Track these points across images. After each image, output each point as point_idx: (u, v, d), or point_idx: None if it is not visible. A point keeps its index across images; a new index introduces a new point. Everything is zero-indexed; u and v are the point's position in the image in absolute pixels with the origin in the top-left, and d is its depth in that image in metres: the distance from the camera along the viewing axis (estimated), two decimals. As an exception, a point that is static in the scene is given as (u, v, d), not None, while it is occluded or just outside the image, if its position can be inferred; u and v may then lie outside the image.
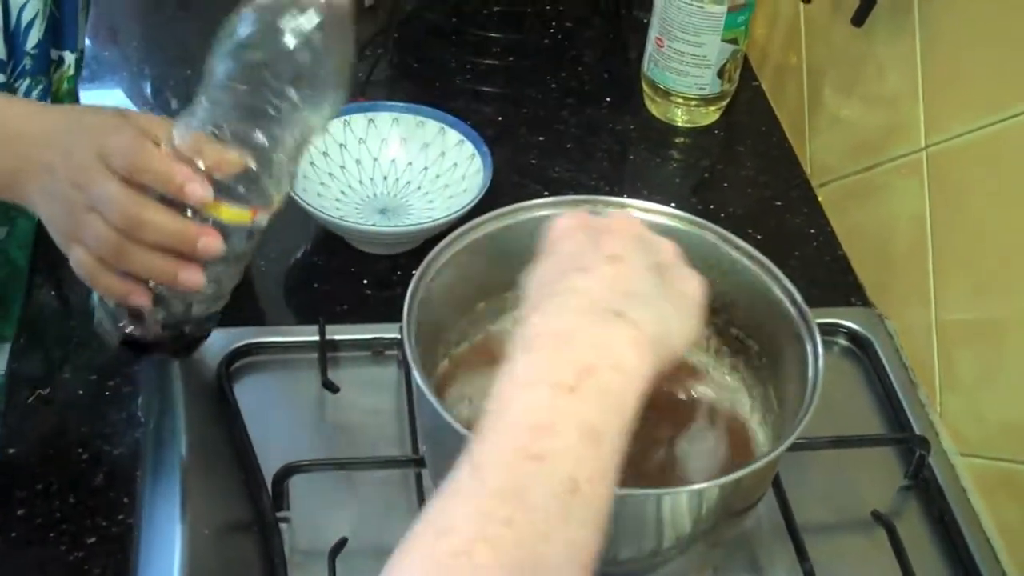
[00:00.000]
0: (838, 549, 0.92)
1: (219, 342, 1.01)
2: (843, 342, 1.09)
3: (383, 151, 1.20)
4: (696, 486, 0.77)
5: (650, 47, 1.32)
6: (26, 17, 1.06)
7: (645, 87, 1.36)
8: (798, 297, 0.86)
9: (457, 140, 1.18)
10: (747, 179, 1.29)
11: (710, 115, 1.35)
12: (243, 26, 0.83)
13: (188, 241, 0.83)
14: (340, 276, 1.12)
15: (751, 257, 0.89)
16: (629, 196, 0.94)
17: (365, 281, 1.11)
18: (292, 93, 0.83)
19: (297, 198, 1.09)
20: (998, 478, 0.95)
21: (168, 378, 0.98)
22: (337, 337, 1.03)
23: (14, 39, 1.06)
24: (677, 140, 1.34)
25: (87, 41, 1.31)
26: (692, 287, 0.72)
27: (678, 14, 1.26)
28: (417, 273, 0.85)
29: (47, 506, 0.91)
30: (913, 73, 1.06)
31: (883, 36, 1.12)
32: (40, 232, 1.14)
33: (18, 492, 0.92)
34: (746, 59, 1.39)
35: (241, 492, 0.91)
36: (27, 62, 1.08)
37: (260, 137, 0.83)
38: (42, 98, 1.12)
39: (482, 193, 1.11)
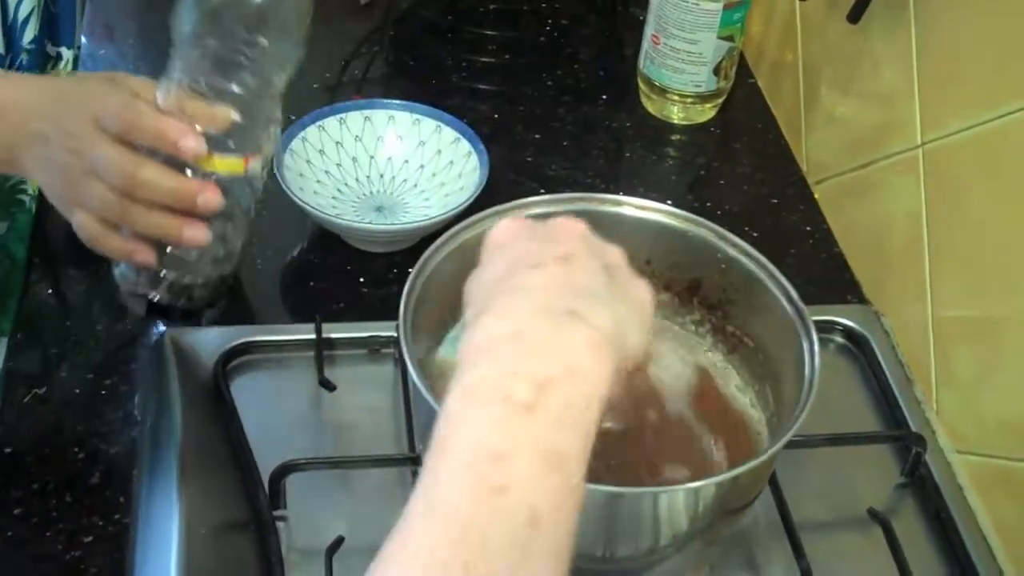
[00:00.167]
0: (835, 547, 0.92)
1: (215, 340, 1.02)
2: (839, 339, 1.09)
3: (379, 149, 1.20)
4: (693, 484, 0.77)
5: (646, 44, 1.32)
6: (22, 13, 1.06)
7: (641, 84, 1.36)
8: (794, 295, 0.86)
9: (453, 138, 1.18)
10: (743, 176, 1.29)
11: (706, 112, 1.35)
12: None
13: (188, 197, 0.86)
14: (336, 274, 1.12)
15: (747, 255, 0.89)
16: (625, 193, 0.94)
17: (361, 279, 1.11)
18: (259, 38, 0.86)
19: (293, 196, 1.09)
20: (994, 475, 0.95)
21: (165, 377, 0.98)
22: (333, 335, 1.03)
23: (11, 34, 1.06)
24: (673, 137, 1.34)
25: (83, 39, 1.32)
26: (641, 291, 0.69)
27: (674, 11, 1.26)
28: (413, 271, 0.85)
29: (43, 505, 0.91)
30: (909, 70, 1.06)
31: (879, 33, 1.12)
32: (37, 227, 1.14)
33: (14, 491, 0.92)
34: (742, 56, 1.39)
35: (238, 491, 0.91)
36: (24, 57, 1.08)
37: (236, 87, 0.87)
38: None
39: (478, 191, 1.11)
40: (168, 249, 0.90)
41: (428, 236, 1.02)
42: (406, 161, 1.20)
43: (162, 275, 0.91)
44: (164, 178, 0.86)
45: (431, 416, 0.78)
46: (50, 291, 1.08)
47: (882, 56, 1.12)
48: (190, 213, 0.87)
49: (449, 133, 1.19)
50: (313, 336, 1.01)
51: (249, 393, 0.99)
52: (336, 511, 0.91)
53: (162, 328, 1.04)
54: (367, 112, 1.20)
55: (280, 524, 0.90)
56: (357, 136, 1.20)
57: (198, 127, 0.86)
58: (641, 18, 1.33)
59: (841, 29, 1.16)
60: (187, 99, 0.86)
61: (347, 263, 1.13)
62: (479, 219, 0.90)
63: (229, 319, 1.06)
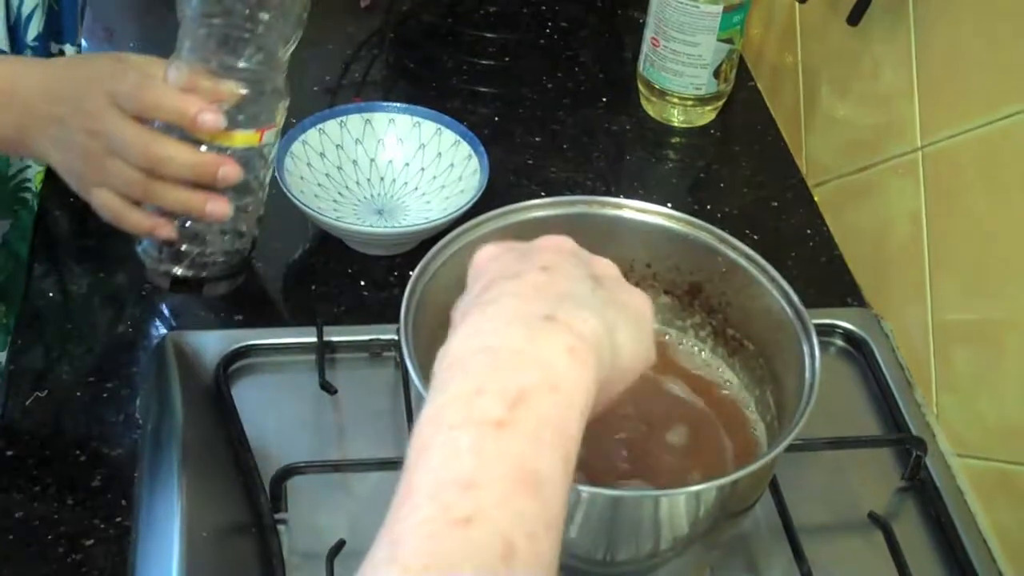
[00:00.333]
0: (835, 550, 0.93)
1: (217, 344, 1.02)
2: (839, 343, 1.09)
3: (380, 152, 1.20)
4: (693, 487, 0.77)
5: (646, 47, 1.32)
6: (26, 10, 1.07)
7: (641, 87, 1.36)
8: (795, 298, 0.86)
9: (453, 141, 1.18)
10: (743, 179, 1.29)
11: (706, 115, 1.35)
12: None
13: (209, 171, 0.89)
14: (337, 277, 1.12)
15: (747, 257, 0.89)
16: (625, 196, 0.94)
17: (362, 282, 1.11)
18: (261, 14, 0.89)
19: (294, 199, 1.09)
20: (995, 479, 0.95)
21: (166, 380, 0.98)
22: (335, 338, 1.03)
23: (15, 31, 1.07)
24: (673, 140, 1.34)
25: (83, 41, 1.32)
26: (637, 299, 0.66)
27: (674, 14, 1.26)
28: (414, 274, 0.85)
29: (45, 507, 0.91)
30: (909, 73, 1.06)
31: (879, 35, 1.12)
32: (39, 227, 1.14)
33: (16, 493, 0.92)
34: (742, 59, 1.39)
35: (239, 494, 0.91)
36: (28, 55, 1.09)
37: (243, 63, 0.89)
38: None
39: (479, 194, 1.11)
40: (187, 224, 0.92)
41: (429, 239, 1.02)
42: (406, 164, 1.20)
43: (183, 249, 0.94)
44: (185, 154, 0.88)
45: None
46: (51, 294, 1.08)
47: (882, 58, 1.12)
48: (210, 188, 0.90)
49: (449, 136, 1.19)
50: (314, 339, 1.01)
51: (250, 396, 0.99)
52: (337, 514, 0.91)
53: (164, 331, 1.04)
54: (367, 115, 1.20)
55: (281, 527, 0.90)
56: (357, 139, 1.20)
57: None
58: (641, 21, 1.34)
59: (841, 32, 1.16)
60: (197, 77, 0.88)
61: (348, 266, 1.13)
62: (480, 222, 0.90)
63: (230, 322, 1.06)
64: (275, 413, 0.99)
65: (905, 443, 0.98)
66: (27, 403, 0.99)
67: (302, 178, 1.15)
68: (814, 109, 1.28)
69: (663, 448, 0.86)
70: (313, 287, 1.11)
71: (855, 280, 1.17)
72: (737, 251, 0.89)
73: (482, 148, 1.16)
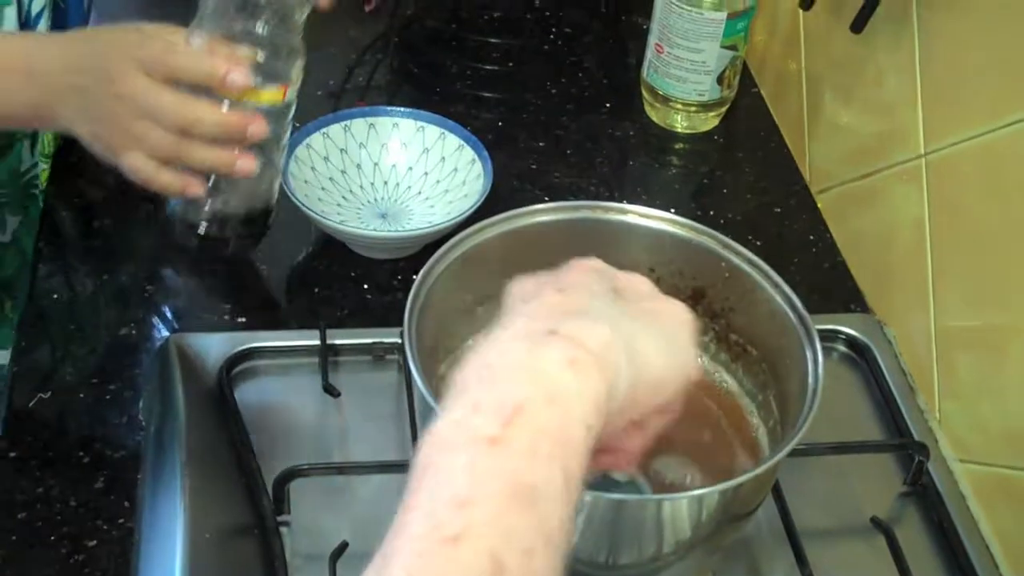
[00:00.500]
0: (837, 555, 0.93)
1: (220, 346, 1.02)
2: (842, 348, 1.09)
3: (383, 156, 1.21)
4: (696, 491, 0.77)
5: (650, 53, 1.32)
6: (35, 8, 1.08)
7: (645, 93, 1.36)
8: (798, 303, 0.86)
9: (457, 145, 1.19)
10: (747, 185, 1.29)
11: (710, 121, 1.35)
12: None
13: (239, 129, 0.93)
14: (341, 281, 1.12)
15: (751, 263, 0.89)
16: (629, 202, 0.94)
17: (366, 286, 1.12)
18: None
19: (298, 203, 1.09)
20: (997, 485, 0.95)
21: (169, 382, 0.98)
22: (338, 341, 1.03)
23: (25, 27, 1.08)
24: (677, 146, 1.35)
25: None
26: (674, 309, 0.66)
27: (678, 20, 1.26)
28: (418, 278, 0.85)
29: (48, 509, 0.91)
30: (912, 80, 1.06)
31: (882, 43, 1.12)
32: (43, 228, 1.14)
33: (19, 495, 0.92)
34: (745, 65, 1.39)
35: (242, 496, 0.91)
36: None
37: (260, 27, 0.94)
38: None
39: (482, 198, 1.11)
40: (211, 182, 0.97)
41: (432, 243, 1.02)
42: (410, 168, 1.20)
43: (208, 207, 0.99)
44: (216, 114, 0.92)
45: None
46: (55, 295, 1.08)
47: (885, 66, 1.12)
48: (238, 143, 0.94)
49: (453, 140, 1.19)
50: (317, 342, 1.01)
51: (253, 399, 0.99)
52: (340, 517, 0.91)
53: (167, 333, 1.04)
54: (371, 119, 1.20)
55: (284, 529, 0.90)
56: (361, 143, 1.20)
57: None
58: (645, 27, 1.34)
59: (844, 39, 1.16)
60: (219, 44, 0.92)
61: (351, 270, 1.13)
62: (483, 227, 0.90)
63: (233, 325, 1.06)
64: (278, 416, 0.99)
65: (907, 448, 0.98)
66: (30, 404, 0.99)
67: (306, 182, 1.15)
68: (817, 116, 1.28)
69: (666, 452, 0.86)
70: (316, 290, 1.11)
71: (858, 286, 1.17)
72: (740, 256, 0.89)
73: (486, 153, 1.17)
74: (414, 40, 1.48)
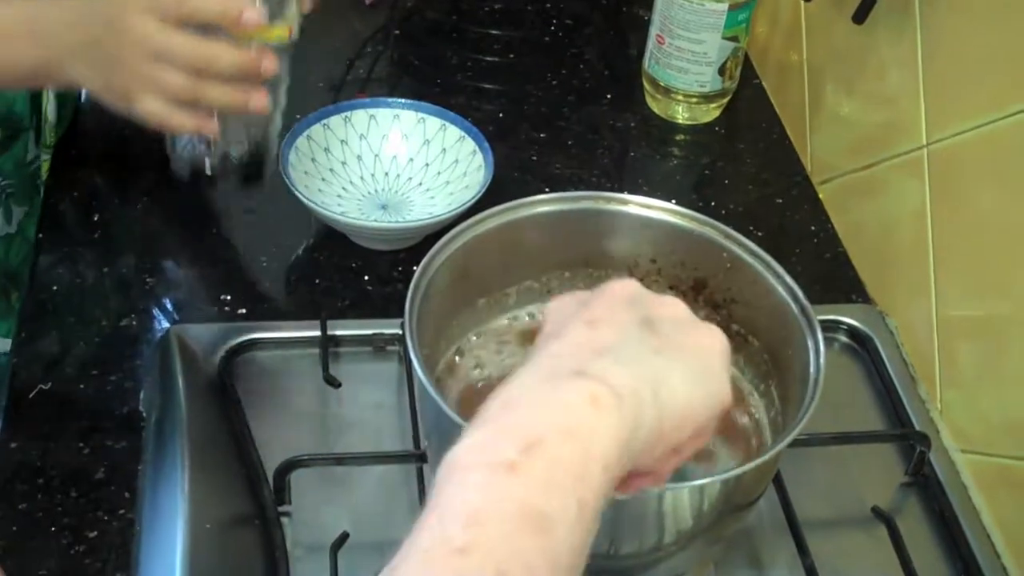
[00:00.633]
0: (839, 545, 0.93)
1: (220, 337, 1.02)
2: (844, 339, 1.09)
3: (384, 147, 1.20)
4: (698, 482, 0.77)
5: (651, 44, 1.32)
6: None
7: (646, 84, 1.36)
8: (800, 294, 0.86)
9: (458, 137, 1.18)
10: (748, 176, 1.29)
11: (711, 112, 1.35)
12: None
13: (253, 67, 0.95)
14: (341, 272, 1.12)
15: (752, 253, 0.89)
16: (630, 193, 0.94)
17: (366, 277, 1.12)
18: None
19: (298, 194, 1.09)
20: (998, 474, 0.95)
21: (170, 373, 0.98)
22: (339, 332, 1.03)
23: None
24: (678, 137, 1.34)
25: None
26: (707, 340, 0.64)
27: (679, 11, 1.26)
28: (419, 269, 0.85)
29: (48, 500, 0.91)
30: (914, 70, 1.06)
31: (884, 34, 1.12)
32: (43, 220, 1.14)
33: (19, 486, 0.92)
34: (747, 57, 1.39)
35: (243, 487, 0.91)
36: None
37: None
38: None
39: (483, 190, 1.11)
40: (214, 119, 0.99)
41: (433, 234, 1.02)
42: (411, 159, 1.20)
43: (217, 145, 1.03)
44: (231, 52, 0.94)
45: (436, 413, 0.79)
46: (55, 287, 1.08)
47: (887, 56, 1.12)
48: (250, 80, 0.96)
49: (454, 132, 1.19)
50: (318, 333, 1.01)
51: (254, 389, 0.99)
52: (341, 507, 0.91)
53: (167, 324, 1.04)
54: (372, 111, 1.20)
55: (284, 520, 0.90)
56: (362, 134, 1.20)
57: None
58: (646, 18, 1.34)
59: (846, 29, 1.16)
60: None
61: (352, 261, 1.13)
62: (484, 218, 0.90)
63: (234, 316, 1.06)
64: (279, 406, 0.99)
65: (909, 438, 0.98)
66: (31, 395, 0.99)
67: (306, 173, 1.15)
68: (819, 107, 1.28)
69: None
70: (317, 281, 1.11)
71: (859, 277, 1.17)
72: (742, 247, 0.89)
73: (487, 144, 1.16)
74: (415, 32, 1.48)
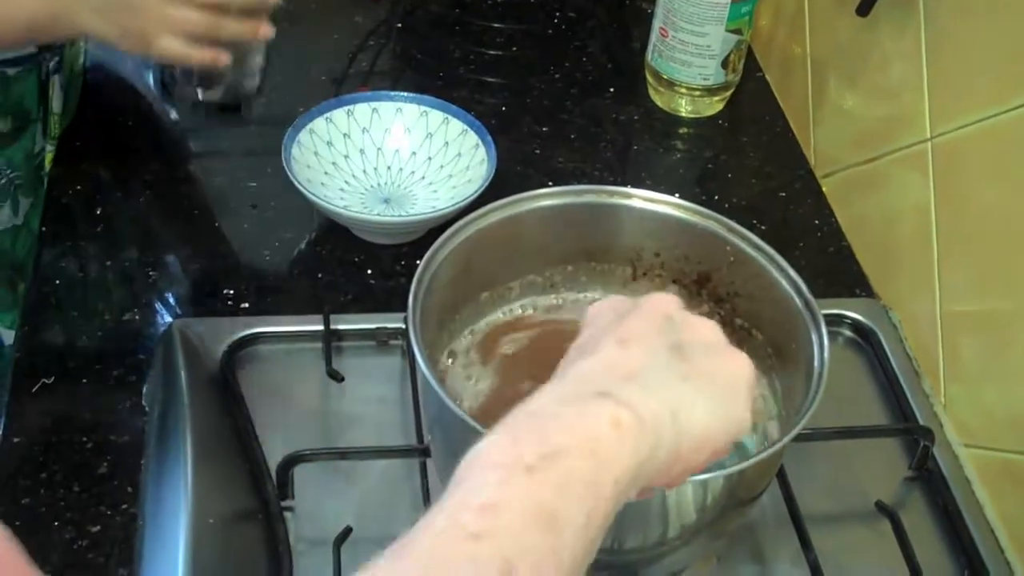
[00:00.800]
0: (842, 539, 0.92)
1: (223, 331, 1.02)
2: (847, 333, 1.09)
3: (387, 141, 1.20)
4: (701, 476, 0.77)
5: (654, 37, 1.32)
6: None
7: (649, 77, 1.35)
8: (804, 288, 0.85)
9: (461, 130, 1.18)
10: (751, 170, 1.29)
11: (714, 105, 1.35)
12: None
13: (263, 1, 1.05)
14: (344, 266, 1.12)
15: (756, 247, 0.89)
16: (633, 186, 0.93)
17: (369, 271, 1.11)
18: None
19: (301, 188, 1.09)
20: (1002, 469, 0.95)
21: (172, 367, 0.98)
22: (341, 326, 1.03)
23: None
24: (681, 130, 1.34)
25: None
26: (734, 367, 0.66)
27: (682, 4, 1.25)
28: (422, 263, 0.85)
29: (51, 495, 0.91)
30: (918, 64, 1.06)
31: (888, 27, 1.12)
32: (46, 214, 1.14)
33: (22, 480, 0.92)
34: (750, 50, 1.38)
35: (246, 481, 0.91)
36: None
37: None
38: (57, 70, 1.20)
39: (486, 183, 1.11)
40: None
41: (435, 228, 1.02)
42: (413, 153, 1.20)
43: (224, 77, 1.12)
44: None
45: (439, 407, 0.78)
46: (58, 281, 1.08)
47: (891, 49, 1.12)
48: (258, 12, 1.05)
49: (457, 125, 1.19)
50: (321, 327, 1.01)
51: (257, 384, 0.99)
52: (344, 501, 0.91)
53: (170, 318, 1.04)
54: (375, 104, 1.20)
55: (288, 514, 0.90)
56: (365, 128, 1.20)
57: None
58: (649, 11, 1.33)
59: (850, 22, 1.15)
60: None
61: (354, 255, 1.13)
62: (487, 211, 0.90)
63: (237, 310, 1.06)
64: (281, 401, 0.99)
65: (912, 433, 0.98)
66: (34, 390, 0.98)
67: (309, 167, 1.15)
68: (823, 100, 1.28)
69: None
70: (320, 275, 1.11)
71: (863, 271, 1.17)
72: (746, 241, 0.89)
73: (489, 138, 1.16)
74: (417, 25, 1.47)
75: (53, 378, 1.00)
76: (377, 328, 1.03)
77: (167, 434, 0.93)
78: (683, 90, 1.32)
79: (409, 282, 0.83)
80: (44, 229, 1.13)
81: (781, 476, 0.92)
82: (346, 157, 1.19)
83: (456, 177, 1.17)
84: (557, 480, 0.54)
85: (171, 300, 1.08)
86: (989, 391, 0.98)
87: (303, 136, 1.16)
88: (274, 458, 0.90)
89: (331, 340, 1.01)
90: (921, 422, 1.00)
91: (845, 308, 1.09)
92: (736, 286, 0.91)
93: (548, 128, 1.31)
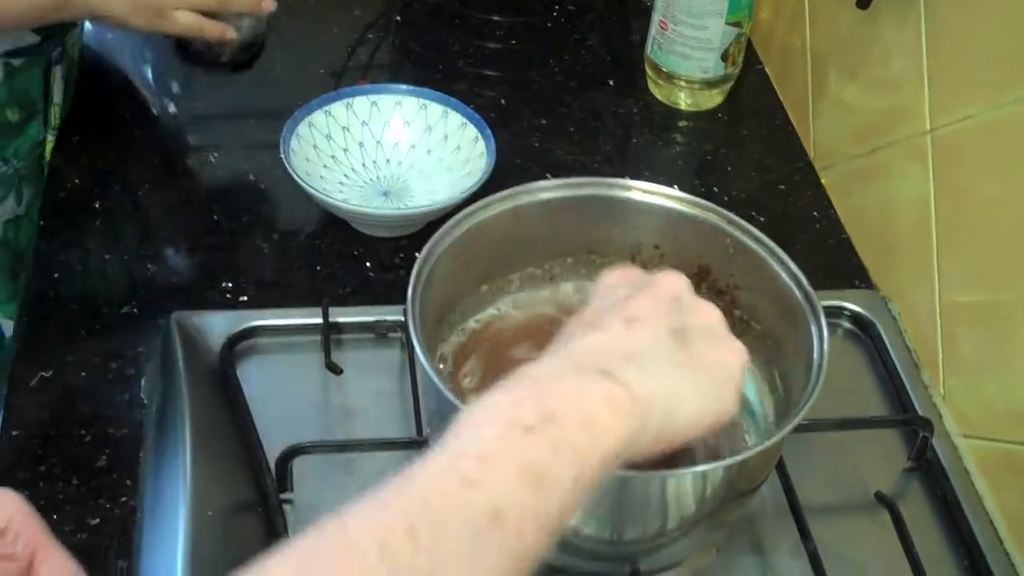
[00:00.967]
0: (841, 530, 0.92)
1: (222, 324, 1.02)
2: (847, 324, 1.09)
3: (386, 134, 1.20)
4: (701, 467, 0.77)
5: (654, 30, 1.32)
6: None
7: (649, 70, 1.35)
8: (803, 279, 0.85)
9: (460, 123, 1.18)
10: (751, 162, 1.29)
11: (714, 98, 1.34)
12: None
13: None
14: (343, 259, 1.12)
15: (756, 239, 0.89)
16: (632, 179, 0.93)
17: (368, 264, 1.11)
18: None
19: (299, 181, 1.09)
20: (1001, 460, 0.95)
21: (171, 360, 0.98)
22: (340, 319, 1.02)
23: None
24: (681, 123, 1.34)
25: (87, 24, 1.32)
26: (729, 357, 0.68)
27: (682, -3, 1.25)
28: (421, 256, 0.85)
29: (50, 488, 0.91)
30: (918, 56, 1.06)
31: (888, 19, 1.11)
32: (44, 208, 1.14)
33: (21, 473, 0.92)
34: (750, 42, 1.38)
35: (245, 474, 0.91)
36: None
37: None
38: (59, 60, 1.23)
39: (485, 176, 1.11)
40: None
41: (435, 221, 1.02)
42: (413, 146, 1.20)
43: (234, 40, 1.26)
44: None
45: (438, 400, 0.78)
46: (56, 274, 1.08)
47: (891, 42, 1.12)
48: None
49: (456, 118, 1.19)
50: (320, 320, 1.01)
51: (256, 376, 0.99)
52: (343, 494, 0.89)
53: (168, 311, 1.04)
54: (374, 97, 1.20)
55: (287, 507, 0.90)
56: (364, 121, 1.20)
57: None
58: (648, 4, 1.33)
59: (850, 15, 1.15)
60: None
61: (354, 248, 1.13)
62: (486, 204, 0.90)
63: (236, 303, 1.06)
64: (280, 393, 0.99)
65: (912, 424, 0.98)
66: (32, 383, 0.98)
67: (308, 160, 1.15)
68: (822, 93, 1.28)
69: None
70: (319, 268, 1.11)
71: (862, 262, 1.16)
72: (745, 233, 0.89)
73: (489, 131, 1.16)
74: (417, 18, 1.47)
75: (52, 371, 1.00)
76: (376, 321, 1.03)
77: (166, 427, 0.93)
78: (683, 83, 1.32)
79: (408, 275, 0.83)
80: (43, 223, 1.13)
81: (780, 467, 0.92)
82: (345, 150, 1.19)
83: (455, 170, 1.17)
84: (551, 443, 0.57)
85: (169, 293, 1.07)
86: (988, 382, 0.98)
87: (302, 129, 1.15)
88: (273, 451, 0.90)
89: (330, 333, 1.01)
90: (920, 413, 1.00)
91: (844, 300, 1.09)
92: (736, 278, 0.91)
93: (547, 121, 1.31)
